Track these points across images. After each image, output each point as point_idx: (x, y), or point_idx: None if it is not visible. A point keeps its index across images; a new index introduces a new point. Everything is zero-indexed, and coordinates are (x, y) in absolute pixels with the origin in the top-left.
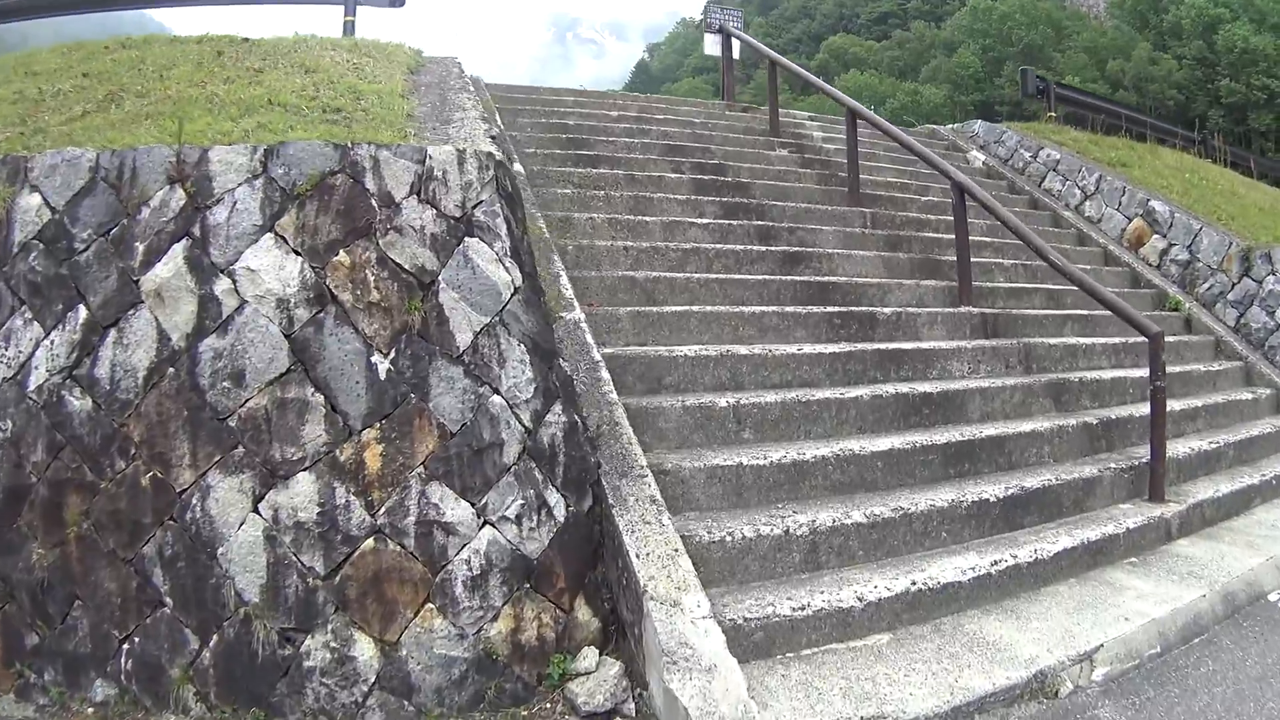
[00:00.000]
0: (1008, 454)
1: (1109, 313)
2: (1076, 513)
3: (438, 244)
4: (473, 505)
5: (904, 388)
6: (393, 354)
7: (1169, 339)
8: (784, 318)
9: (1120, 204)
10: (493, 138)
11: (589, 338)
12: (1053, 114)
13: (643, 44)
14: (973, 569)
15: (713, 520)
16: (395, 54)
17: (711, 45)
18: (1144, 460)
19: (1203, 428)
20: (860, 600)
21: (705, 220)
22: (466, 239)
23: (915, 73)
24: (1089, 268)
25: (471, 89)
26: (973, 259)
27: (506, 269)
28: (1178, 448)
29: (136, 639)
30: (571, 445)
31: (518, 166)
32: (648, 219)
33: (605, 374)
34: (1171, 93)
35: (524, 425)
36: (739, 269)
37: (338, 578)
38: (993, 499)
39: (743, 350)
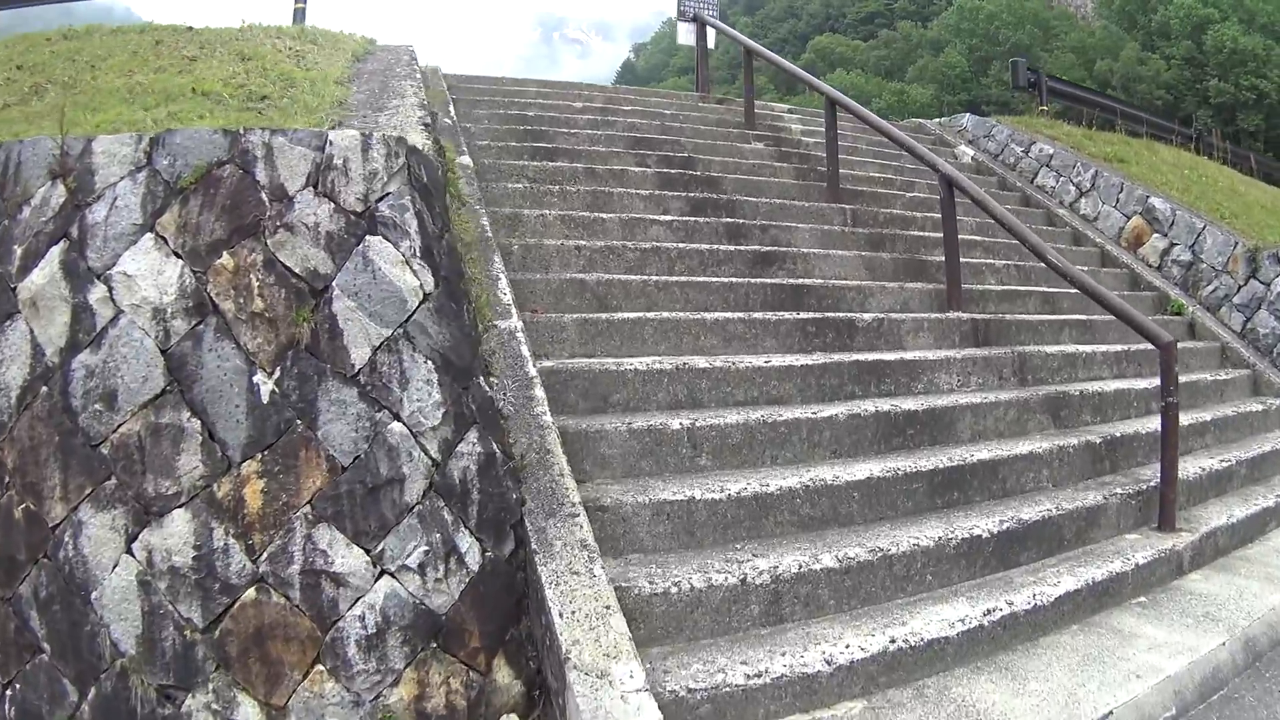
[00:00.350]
0: (1002, 480)
1: (1109, 317)
2: (1079, 545)
3: (333, 244)
4: (367, 552)
5: (885, 405)
6: (277, 373)
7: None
8: (751, 325)
9: (1118, 201)
10: (425, 125)
11: (525, 350)
12: (1044, 108)
13: (629, 44)
14: (962, 621)
15: (658, 566)
16: (343, 42)
17: (685, 35)
18: (1152, 484)
19: (1211, 443)
20: (829, 663)
21: (669, 217)
22: (368, 237)
23: (902, 73)
24: (1086, 269)
25: (417, 76)
26: (962, 259)
27: (414, 272)
28: (1187, 467)
29: (18, 685)
30: (488, 480)
31: (465, 159)
32: (605, 216)
33: (539, 392)
34: (1160, 93)
35: (430, 457)
36: (704, 271)
37: (217, 631)
38: (985, 535)
39: (702, 363)
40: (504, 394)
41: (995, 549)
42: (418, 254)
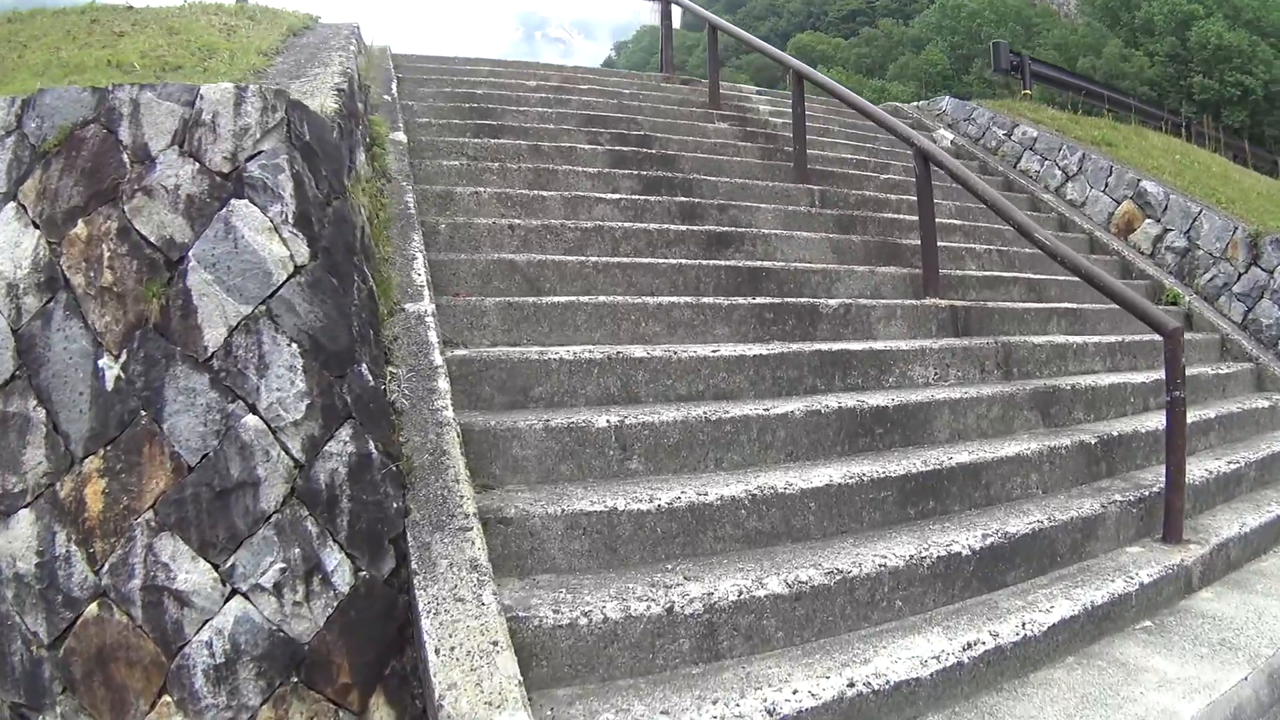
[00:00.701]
0: (985, 486)
1: (1101, 305)
2: (1074, 561)
3: (194, 208)
4: (215, 568)
5: (850, 400)
6: (124, 356)
7: (1150, 336)
8: (701, 311)
9: (1107, 185)
10: (340, 90)
11: (432, 336)
12: (1028, 91)
13: (611, 42)
14: (937, 658)
15: (569, 590)
16: (283, 18)
17: (651, 15)
18: (1154, 489)
19: (1216, 443)
20: (771, 713)
21: (617, 196)
22: (232, 201)
23: (883, 70)
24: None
25: (351, 49)
26: (940, 243)
27: (284, 241)
28: (1192, 470)
29: None
30: (362, 486)
31: (399, 135)
32: (547, 194)
33: (443, 384)
34: (1143, 89)
35: (291, 457)
36: (651, 252)
37: (62, 649)
38: (966, 551)
39: (640, 352)
40: (400, 385)
41: (977, 568)
42: (290, 220)
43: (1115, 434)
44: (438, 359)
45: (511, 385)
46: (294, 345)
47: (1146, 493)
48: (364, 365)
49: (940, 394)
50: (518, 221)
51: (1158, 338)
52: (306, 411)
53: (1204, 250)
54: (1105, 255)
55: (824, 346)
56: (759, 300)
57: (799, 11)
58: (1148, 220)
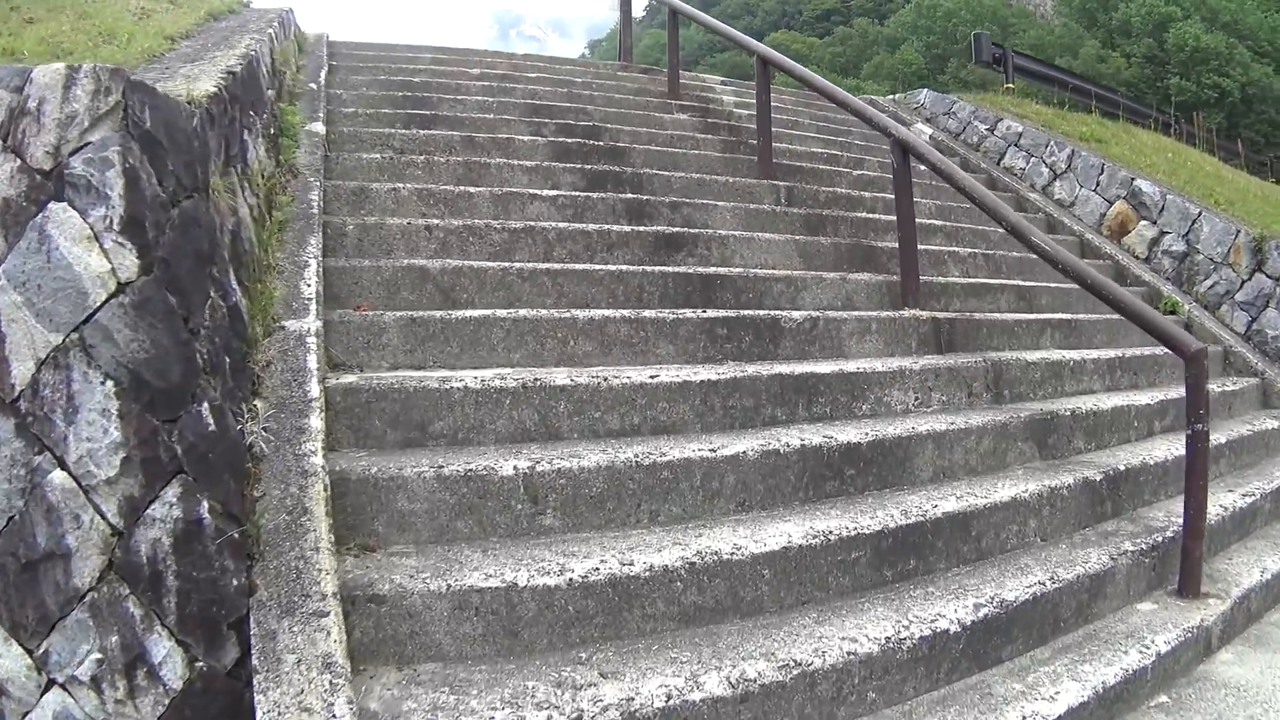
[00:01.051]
0: (976, 539)
1: (1097, 316)
2: (1079, 625)
3: (9, 214)
4: (29, 653)
5: (816, 436)
6: None
7: (1159, 351)
8: (641, 326)
9: (1098, 184)
10: (230, 73)
11: (311, 361)
12: (1010, 85)
13: (585, 40)
14: None
15: (454, 691)
16: (209, 1)
17: (611, 5)
18: (1169, 534)
19: (1226, 470)
20: None
21: (556, 192)
22: (50, 204)
23: (857, 69)
24: None
25: (269, 33)
26: (920, 246)
27: (105, 251)
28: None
29: None
30: (192, 559)
31: (316, 126)
32: (475, 190)
33: (315, 420)
34: (1121, 90)
35: (108, 523)
36: (589, 256)
37: None
38: (954, 627)
39: (561, 379)
40: (260, 425)
41: (968, 645)
42: (115, 226)
43: (1122, 468)
44: (314, 389)
45: (407, 419)
46: (109, 383)
47: (1159, 538)
48: (205, 405)
49: (922, 425)
50: (437, 222)
51: (1160, 352)
52: (122, 467)
53: (1204, 255)
54: (1098, 259)
55: (786, 369)
56: (711, 313)
57: (773, 10)
58: (1143, 222)
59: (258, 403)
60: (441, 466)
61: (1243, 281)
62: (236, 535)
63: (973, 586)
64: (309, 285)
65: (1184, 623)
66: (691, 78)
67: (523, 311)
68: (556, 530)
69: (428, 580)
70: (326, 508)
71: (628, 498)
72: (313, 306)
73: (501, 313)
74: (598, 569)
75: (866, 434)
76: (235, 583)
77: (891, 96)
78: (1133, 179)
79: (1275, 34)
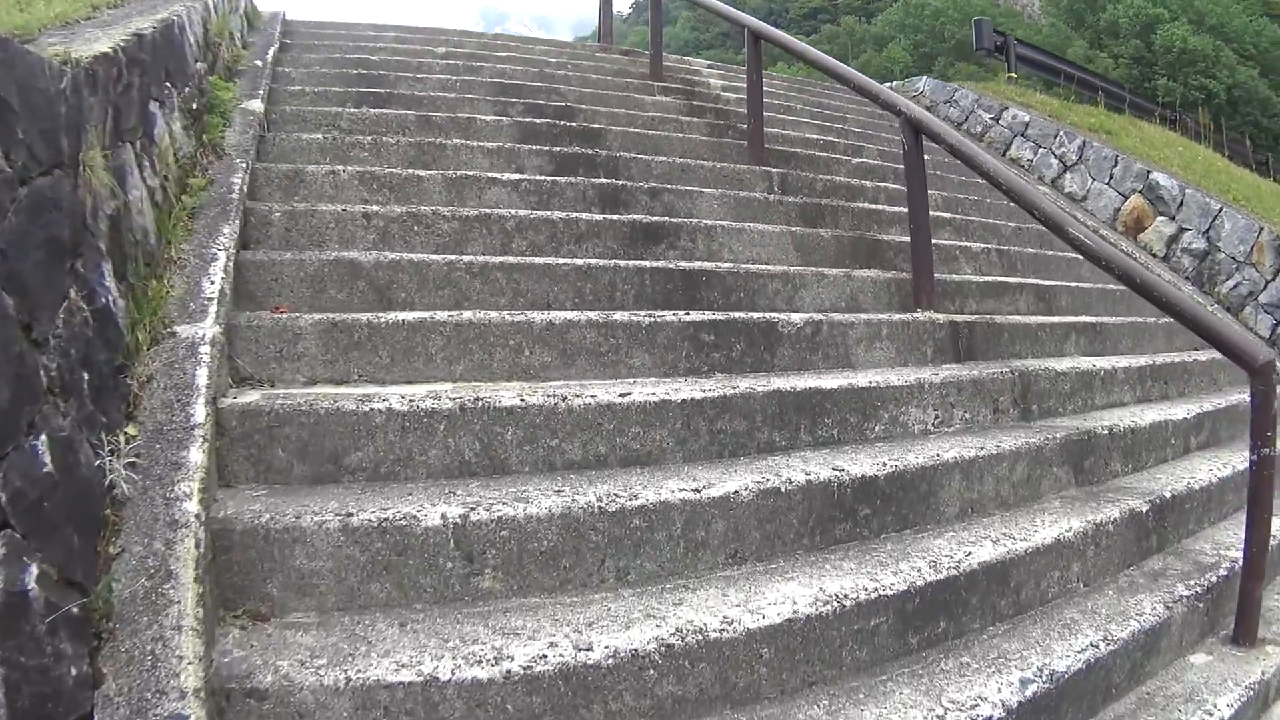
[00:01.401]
0: (1014, 590)
1: (1122, 320)
2: (1132, 687)
3: None
4: None
5: (823, 468)
6: None
7: (1188, 358)
8: (611, 332)
9: (1112, 177)
10: (137, 35)
11: (202, 375)
12: (1013, 74)
13: (570, 36)
14: None
15: None
16: None
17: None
18: (1220, 571)
19: None
20: None
21: (519, 176)
22: None
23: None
24: (1076, 257)
25: (210, 3)
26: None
27: None
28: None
29: None
30: (19, 640)
31: (254, 104)
32: (425, 174)
33: (195, 453)
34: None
35: None
36: (554, 249)
37: None
38: (998, 713)
39: (508, 398)
40: (124, 460)
41: None
42: None
43: (1168, 495)
44: (198, 413)
45: (318, 449)
46: None
47: (1212, 578)
48: (43, 438)
49: (947, 450)
50: (378, 209)
51: (1190, 359)
52: None
53: (1225, 253)
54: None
55: (785, 383)
56: (695, 316)
57: (760, 8)
58: (1160, 218)
59: (130, 429)
60: (350, 515)
61: (1266, 282)
62: (76, 610)
63: (1015, 653)
64: (213, 282)
65: (1244, 678)
66: (676, 60)
67: (468, 314)
68: (498, 595)
69: (324, 669)
70: (197, 570)
71: (589, 553)
72: (213, 308)
73: (442, 315)
74: (545, 655)
75: (883, 464)
76: (75, 672)
77: (889, 84)
78: (1149, 172)
79: (1260, 37)
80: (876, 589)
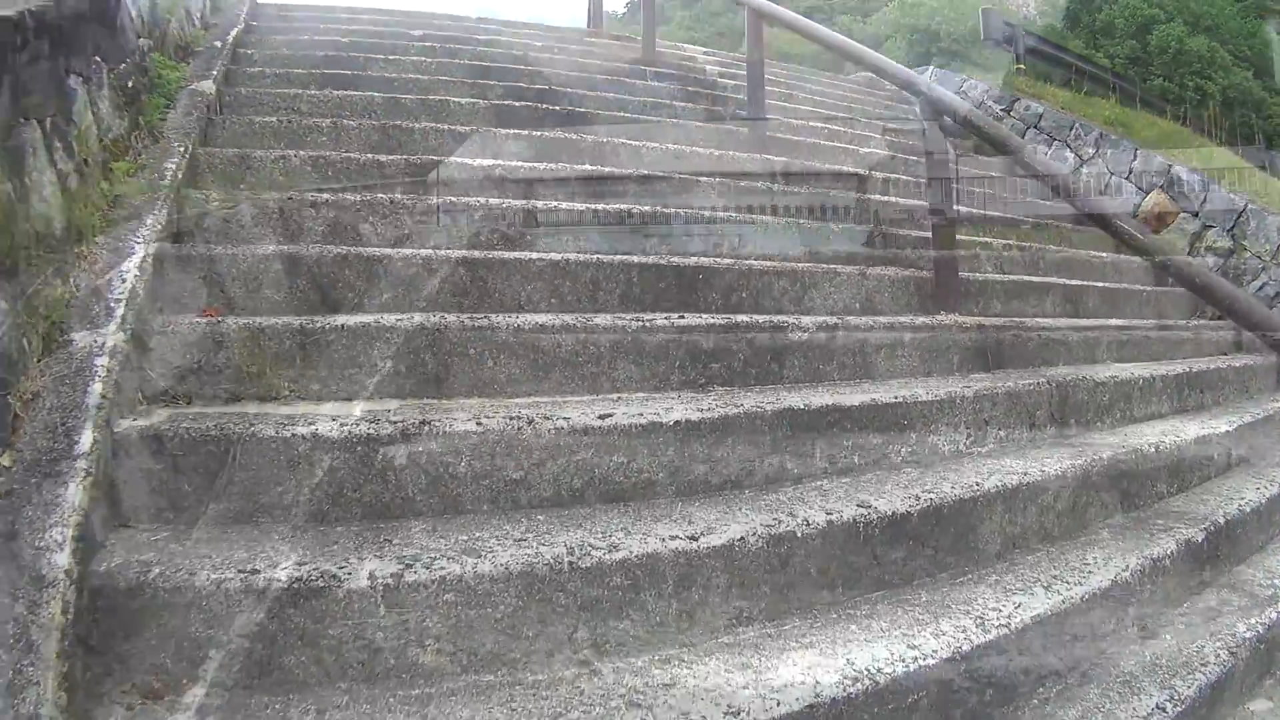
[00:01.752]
0: (1068, 646)
1: (1152, 323)
2: None
3: None
4: None
5: (847, 504)
6: None
7: (1222, 364)
8: (591, 338)
9: (1131, 171)
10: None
11: (93, 392)
12: (1021, 66)
13: None
14: None
15: None
16: None
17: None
18: (1278, 605)
19: None
20: None
21: (493, 162)
22: None
23: (840, 66)
24: (1100, 256)
25: None
26: None
27: None
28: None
29: None
30: None
31: (204, 85)
32: (388, 159)
33: (73, 491)
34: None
35: None
36: (526, 243)
37: None
38: None
39: (463, 421)
40: None
41: None
42: None
43: (1221, 521)
44: (84, 439)
45: (231, 483)
46: None
47: (1271, 614)
48: None
49: (987, 477)
50: (331, 197)
51: (1226, 364)
52: None
53: (1251, 252)
54: (1134, 255)
55: (798, 400)
56: (691, 319)
57: None
58: (1182, 214)
59: (5, 459)
60: (255, 572)
61: None
62: None
63: None
64: (123, 281)
65: None
66: (671, 45)
67: (419, 318)
68: (442, 673)
69: None
70: (62, 643)
71: (556, 619)
72: (119, 311)
73: (390, 319)
74: None
75: (916, 498)
76: None
77: None
78: (1170, 166)
79: (1254, 39)
80: (917, 659)
